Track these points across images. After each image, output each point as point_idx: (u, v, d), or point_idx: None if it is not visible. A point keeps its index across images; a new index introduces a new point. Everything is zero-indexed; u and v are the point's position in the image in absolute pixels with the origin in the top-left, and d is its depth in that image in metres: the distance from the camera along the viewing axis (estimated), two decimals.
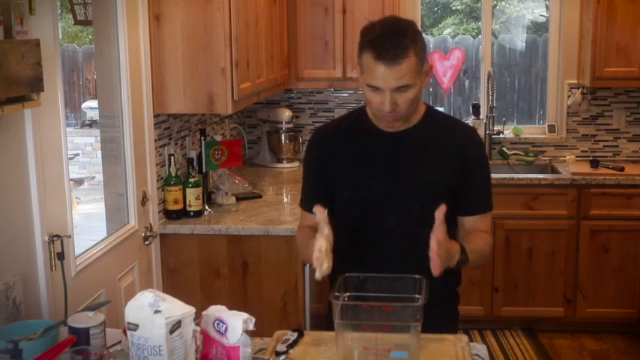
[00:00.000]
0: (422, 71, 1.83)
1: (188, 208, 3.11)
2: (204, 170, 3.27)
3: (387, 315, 1.65)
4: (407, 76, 1.77)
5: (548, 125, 4.67)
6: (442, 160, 1.94)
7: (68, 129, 3.50)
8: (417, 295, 1.68)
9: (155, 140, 2.98)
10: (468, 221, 1.98)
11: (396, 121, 1.87)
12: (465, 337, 1.80)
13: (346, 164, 1.97)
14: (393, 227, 1.94)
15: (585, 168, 4.28)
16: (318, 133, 2.09)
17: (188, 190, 3.09)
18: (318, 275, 1.72)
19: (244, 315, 1.53)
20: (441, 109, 4.86)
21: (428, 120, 1.97)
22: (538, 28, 4.96)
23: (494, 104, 4.57)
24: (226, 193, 3.40)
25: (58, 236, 2.14)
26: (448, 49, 4.82)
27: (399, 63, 1.75)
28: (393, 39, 1.75)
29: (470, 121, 4.68)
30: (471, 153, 1.97)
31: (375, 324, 1.64)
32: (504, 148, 4.61)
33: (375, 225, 1.95)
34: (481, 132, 4.62)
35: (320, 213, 1.75)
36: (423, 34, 1.88)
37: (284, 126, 4.42)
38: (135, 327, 1.48)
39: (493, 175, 4.07)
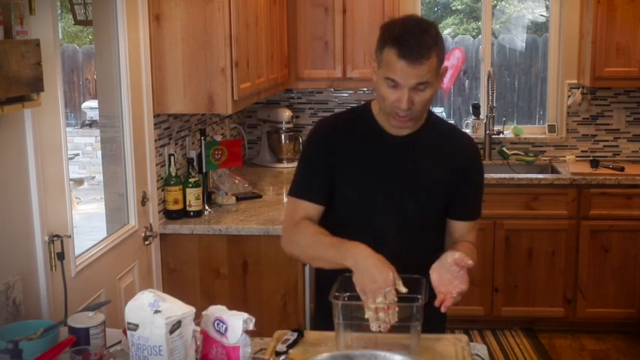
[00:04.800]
0: (440, 72, 1.83)
1: (188, 208, 3.11)
2: (204, 170, 3.27)
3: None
4: (427, 75, 1.76)
5: (548, 125, 4.67)
6: (442, 166, 1.95)
7: (68, 129, 3.50)
8: (417, 295, 1.68)
9: (155, 140, 2.98)
10: (459, 227, 2.00)
11: (409, 120, 1.85)
12: (465, 337, 1.80)
13: (348, 161, 1.94)
14: (390, 229, 1.94)
15: (585, 168, 4.28)
16: (323, 124, 2.05)
17: (188, 190, 3.09)
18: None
19: (244, 315, 1.53)
20: (440, 109, 4.86)
21: (430, 125, 1.98)
22: (538, 28, 4.96)
23: (494, 104, 4.57)
24: (226, 193, 3.41)
25: (58, 236, 2.15)
26: (448, 49, 4.82)
27: (421, 63, 1.74)
28: (418, 38, 1.74)
29: (470, 121, 4.69)
30: (471, 164, 1.99)
31: None
32: (504, 148, 4.61)
33: (372, 225, 1.94)
34: (481, 132, 4.62)
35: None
36: None
37: (284, 126, 4.42)
38: (135, 327, 1.48)
39: (493, 175, 4.12)
